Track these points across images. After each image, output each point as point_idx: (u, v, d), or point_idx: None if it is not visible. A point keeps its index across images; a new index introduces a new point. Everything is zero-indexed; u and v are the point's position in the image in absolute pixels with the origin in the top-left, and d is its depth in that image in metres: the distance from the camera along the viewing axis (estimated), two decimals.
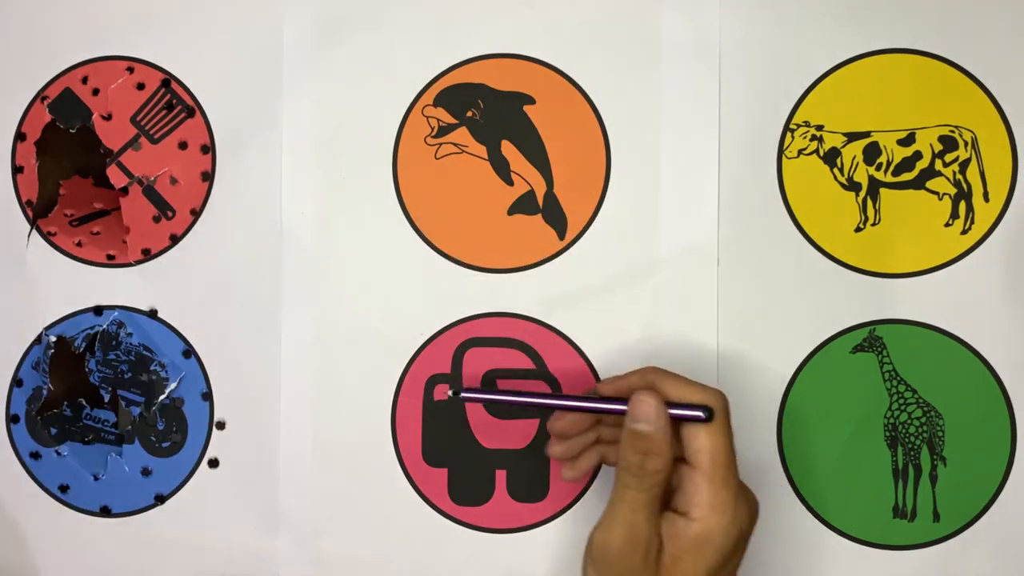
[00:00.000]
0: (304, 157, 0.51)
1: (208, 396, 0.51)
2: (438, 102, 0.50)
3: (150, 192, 0.51)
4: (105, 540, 0.52)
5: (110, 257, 0.52)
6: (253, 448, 0.51)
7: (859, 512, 0.48)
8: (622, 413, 0.41)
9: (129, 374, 0.52)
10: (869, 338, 0.48)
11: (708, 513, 0.39)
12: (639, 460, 0.40)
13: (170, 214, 0.51)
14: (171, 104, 0.51)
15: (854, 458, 0.48)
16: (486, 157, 0.50)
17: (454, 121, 0.50)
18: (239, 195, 0.51)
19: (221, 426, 0.51)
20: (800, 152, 0.49)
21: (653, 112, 0.49)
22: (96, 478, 0.52)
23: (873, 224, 0.48)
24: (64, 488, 0.52)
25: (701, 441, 0.39)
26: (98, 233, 0.52)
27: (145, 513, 0.52)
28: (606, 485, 0.49)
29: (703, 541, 0.39)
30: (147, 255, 0.51)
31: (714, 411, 0.40)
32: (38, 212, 0.52)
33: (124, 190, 0.51)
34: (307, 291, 0.50)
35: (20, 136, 0.52)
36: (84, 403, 0.52)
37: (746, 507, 0.40)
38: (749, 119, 0.49)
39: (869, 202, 0.48)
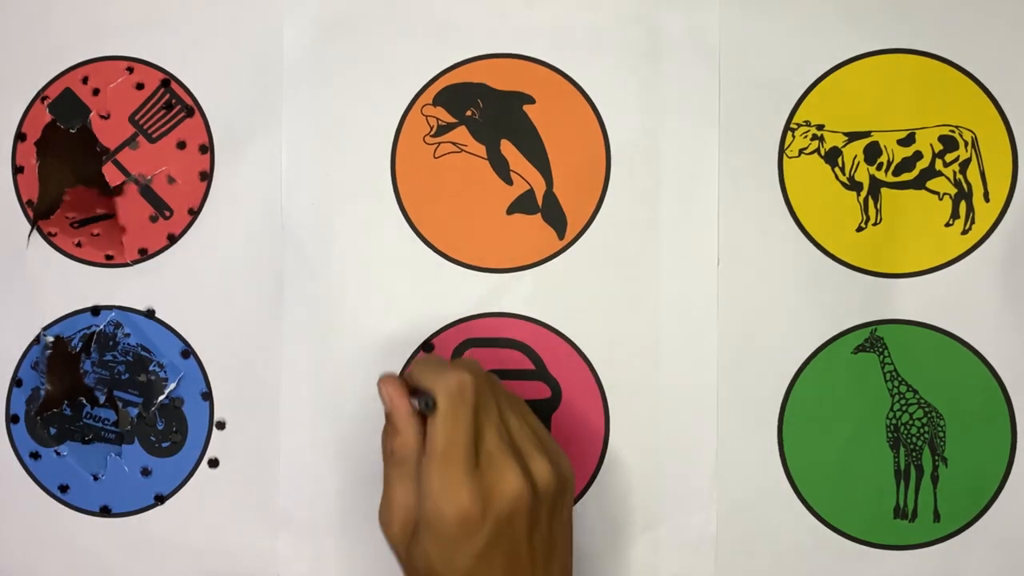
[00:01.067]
0: (303, 157, 0.51)
1: (208, 396, 0.51)
2: (437, 101, 0.50)
3: (147, 191, 0.51)
4: (105, 540, 0.52)
5: (108, 257, 0.52)
6: (253, 448, 0.51)
7: (860, 512, 0.48)
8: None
9: (126, 375, 0.52)
10: (870, 338, 0.48)
11: (430, 499, 0.39)
12: (386, 439, 0.42)
13: (167, 214, 0.51)
14: (170, 104, 0.51)
15: (855, 458, 0.48)
16: (485, 156, 0.50)
17: (453, 120, 0.50)
18: (238, 195, 0.51)
19: (221, 426, 0.51)
20: (801, 152, 0.49)
21: (653, 112, 0.49)
22: (96, 478, 0.52)
23: (874, 224, 0.48)
24: (64, 488, 0.52)
25: (429, 427, 0.40)
26: (98, 234, 0.52)
27: (145, 513, 0.52)
28: (607, 485, 0.49)
29: (430, 522, 0.39)
30: (144, 255, 0.51)
31: (435, 402, 0.40)
32: (39, 213, 0.52)
33: (119, 188, 0.51)
34: (306, 291, 0.50)
35: (20, 136, 0.52)
36: (84, 402, 0.52)
37: (503, 487, 0.39)
38: (749, 119, 0.49)
39: (870, 202, 0.48)
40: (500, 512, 0.39)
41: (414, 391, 0.42)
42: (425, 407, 0.41)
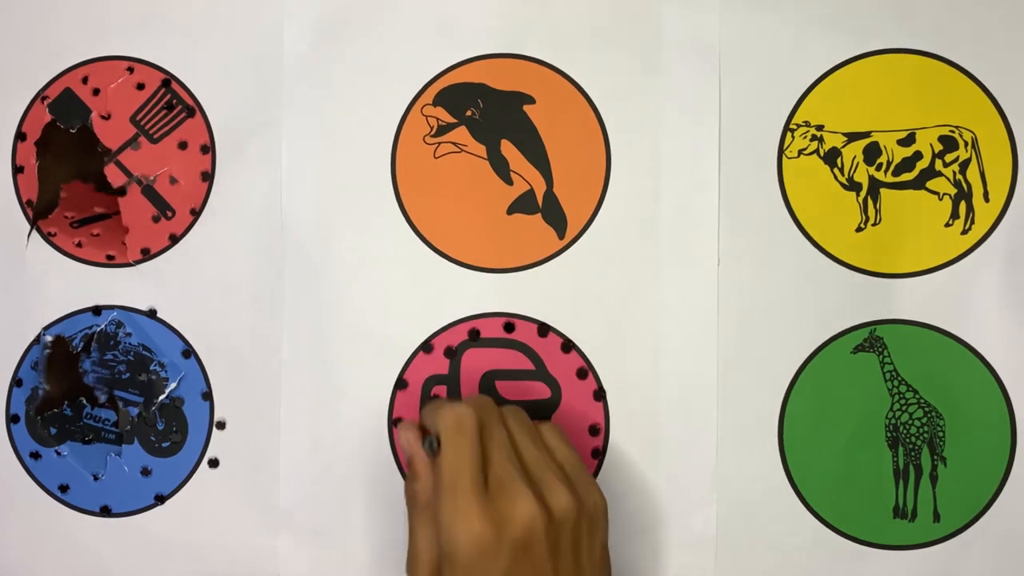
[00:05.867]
0: (304, 157, 0.51)
1: (208, 396, 0.51)
2: (437, 101, 0.50)
3: (149, 192, 0.51)
4: (105, 540, 0.52)
5: (110, 257, 0.52)
6: (253, 448, 0.51)
7: (860, 512, 0.48)
8: None
9: (127, 374, 0.52)
10: (870, 338, 0.48)
11: (444, 531, 0.39)
12: (408, 485, 0.43)
13: (169, 214, 0.51)
14: (171, 104, 0.51)
15: (855, 458, 0.48)
16: (485, 156, 0.50)
17: (453, 120, 0.50)
18: (239, 195, 0.51)
19: (221, 426, 0.51)
20: (800, 152, 0.49)
21: (653, 112, 0.49)
22: (96, 478, 0.52)
23: (874, 224, 0.48)
24: (64, 488, 0.52)
25: (436, 466, 0.41)
26: (98, 234, 0.52)
27: (145, 513, 0.52)
28: (607, 486, 0.49)
29: (448, 554, 0.39)
30: (146, 255, 0.51)
31: (439, 440, 0.41)
32: (38, 213, 0.52)
33: (122, 189, 0.51)
34: (307, 291, 0.50)
35: (20, 136, 0.52)
36: (84, 402, 0.52)
37: (515, 511, 0.39)
38: (749, 119, 0.49)
39: (869, 202, 0.48)
40: (515, 537, 0.39)
41: (424, 434, 0.43)
42: (430, 448, 0.42)
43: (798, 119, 0.49)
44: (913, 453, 0.48)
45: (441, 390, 0.50)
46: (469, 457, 0.40)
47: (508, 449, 0.41)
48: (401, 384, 0.50)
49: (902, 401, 0.48)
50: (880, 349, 0.48)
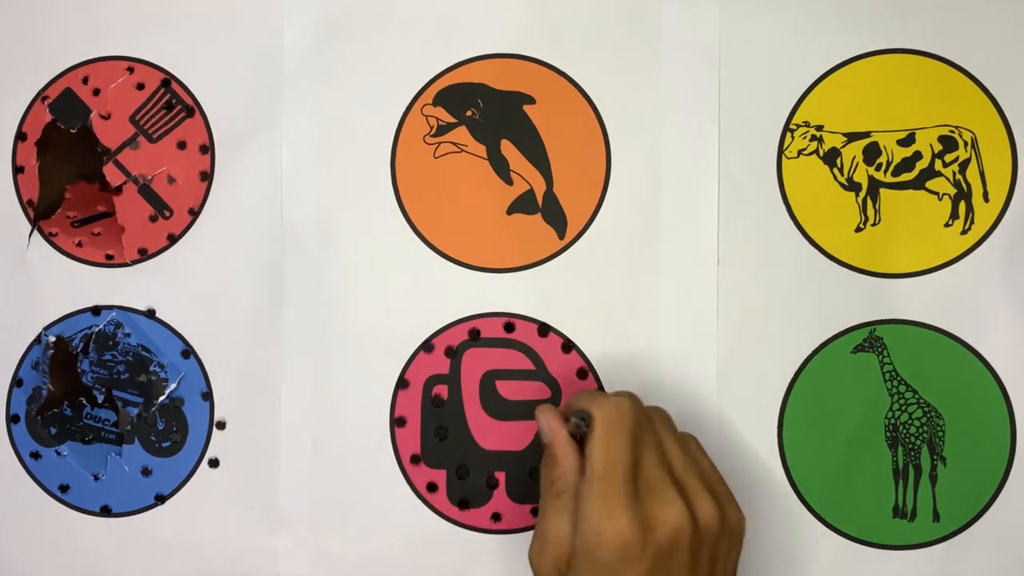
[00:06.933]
0: (303, 157, 0.51)
1: (208, 396, 0.51)
2: (437, 101, 0.50)
3: (146, 191, 0.51)
4: (105, 540, 0.52)
5: (109, 257, 0.52)
6: (253, 448, 0.51)
7: (859, 512, 0.48)
8: None
9: (126, 375, 0.52)
10: (869, 338, 0.48)
11: (587, 524, 0.38)
12: (546, 470, 0.42)
13: (167, 214, 0.51)
14: (171, 104, 0.51)
15: (854, 458, 0.48)
16: (485, 156, 0.50)
17: (453, 120, 0.50)
18: (238, 195, 0.51)
19: (221, 426, 0.51)
20: (800, 152, 0.49)
21: (653, 112, 0.49)
22: (96, 478, 0.52)
23: (873, 224, 0.48)
24: (64, 488, 0.52)
25: (588, 451, 0.40)
26: (99, 234, 0.52)
27: (145, 513, 0.52)
28: None
29: (585, 551, 0.38)
30: (144, 255, 0.51)
31: (592, 418, 0.40)
32: (40, 213, 0.52)
33: (119, 188, 0.51)
34: (306, 291, 0.50)
35: (21, 136, 0.52)
36: (84, 402, 0.52)
37: (665, 516, 0.38)
38: (749, 119, 0.49)
39: (869, 202, 0.48)
40: (660, 543, 0.38)
41: (566, 419, 0.42)
42: (581, 421, 0.40)
43: (798, 119, 0.49)
44: (913, 453, 0.48)
45: (442, 390, 0.50)
46: (626, 452, 0.39)
47: (659, 452, 0.40)
48: (402, 383, 0.50)
49: (902, 401, 0.48)
50: (880, 349, 0.48)
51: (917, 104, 0.48)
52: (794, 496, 0.49)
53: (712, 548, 0.40)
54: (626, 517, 0.38)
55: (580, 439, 0.41)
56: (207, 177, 0.51)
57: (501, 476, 0.50)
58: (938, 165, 0.48)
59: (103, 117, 0.52)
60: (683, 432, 0.44)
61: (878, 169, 0.48)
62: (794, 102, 0.49)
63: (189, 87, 0.51)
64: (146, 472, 0.51)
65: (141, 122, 0.51)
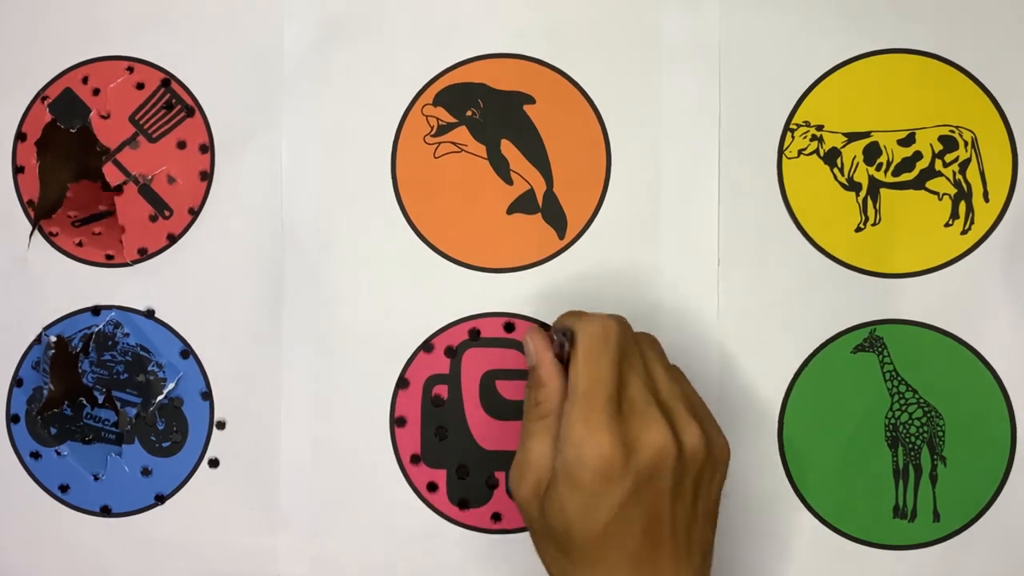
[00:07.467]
0: (304, 157, 0.51)
1: (208, 396, 0.51)
2: (438, 101, 0.50)
3: (146, 191, 0.51)
4: (105, 540, 0.52)
5: (109, 257, 0.52)
6: (253, 448, 0.51)
7: (859, 512, 0.48)
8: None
9: (125, 375, 0.52)
10: (870, 338, 0.48)
11: (568, 444, 0.37)
12: (530, 392, 0.41)
13: (167, 213, 0.51)
14: (170, 104, 0.51)
15: (854, 458, 0.48)
16: (485, 156, 0.50)
17: (453, 120, 0.50)
18: (238, 195, 0.51)
19: (221, 426, 0.51)
20: (800, 152, 0.49)
21: (653, 112, 0.49)
22: (96, 478, 0.52)
23: (873, 224, 0.48)
24: (64, 488, 0.52)
25: (571, 370, 0.39)
26: (99, 233, 0.52)
27: (145, 513, 0.52)
28: None
29: (569, 469, 0.37)
30: (144, 255, 0.51)
31: (573, 334, 0.39)
32: (40, 213, 0.52)
33: (119, 188, 0.51)
34: (306, 291, 0.50)
35: (21, 136, 0.52)
36: (84, 402, 0.52)
37: (647, 438, 0.37)
38: (749, 119, 0.49)
39: (869, 202, 0.48)
40: (642, 464, 0.37)
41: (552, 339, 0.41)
42: (563, 338, 0.40)
43: (798, 119, 0.49)
44: (913, 453, 0.48)
45: (442, 389, 0.50)
46: (609, 370, 0.38)
47: (645, 374, 0.39)
48: (402, 383, 0.50)
49: (902, 401, 0.48)
50: (880, 349, 0.48)
51: (917, 104, 0.48)
52: (794, 496, 0.49)
53: (696, 476, 0.39)
54: (608, 436, 0.37)
55: (566, 362, 0.41)
56: (207, 177, 0.51)
57: (501, 476, 0.50)
58: (938, 165, 0.48)
59: (103, 117, 0.52)
60: (671, 364, 0.44)
61: (878, 169, 0.48)
62: (794, 102, 0.49)
63: (189, 87, 0.51)
64: (146, 472, 0.51)
65: (141, 122, 0.51)
